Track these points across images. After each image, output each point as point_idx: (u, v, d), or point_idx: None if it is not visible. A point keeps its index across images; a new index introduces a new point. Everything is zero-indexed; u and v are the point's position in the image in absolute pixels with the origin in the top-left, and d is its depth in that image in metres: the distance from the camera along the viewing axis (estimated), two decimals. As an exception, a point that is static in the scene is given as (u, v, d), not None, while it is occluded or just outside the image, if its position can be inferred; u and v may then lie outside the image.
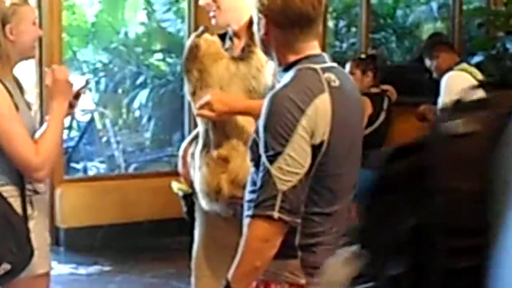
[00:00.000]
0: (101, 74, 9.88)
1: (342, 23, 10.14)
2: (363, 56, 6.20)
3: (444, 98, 5.57)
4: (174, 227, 6.02)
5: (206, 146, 3.21)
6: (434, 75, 6.11)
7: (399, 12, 10.75)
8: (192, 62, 3.24)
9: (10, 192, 3.10)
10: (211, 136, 3.20)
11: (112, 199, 6.63)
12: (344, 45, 9.95)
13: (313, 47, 2.55)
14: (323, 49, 7.47)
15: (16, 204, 3.09)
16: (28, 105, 3.31)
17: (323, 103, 2.43)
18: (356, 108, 2.67)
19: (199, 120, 3.25)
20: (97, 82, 9.68)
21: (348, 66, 6.03)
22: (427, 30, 10.44)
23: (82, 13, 10.65)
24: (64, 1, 10.16)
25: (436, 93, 5.76)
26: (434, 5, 10.46)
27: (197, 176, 3.25)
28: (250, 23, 3.33)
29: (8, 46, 3.14)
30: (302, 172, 2.41)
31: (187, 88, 3.30)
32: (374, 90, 5.99)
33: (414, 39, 10.48)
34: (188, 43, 3.29)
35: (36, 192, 3.21)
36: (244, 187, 3.14)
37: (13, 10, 3.17)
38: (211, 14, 3.35)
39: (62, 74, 3.27)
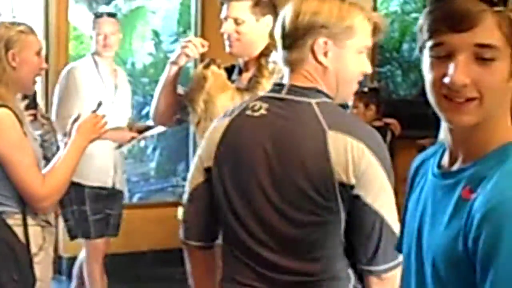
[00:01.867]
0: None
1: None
2: (365, 89, 6.22)
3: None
4: (177, 257, 5.97)
5: None
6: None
7: (405, 46, 10.77)
8: (199, 92, 3.25)
9: (16, 221, 3.12)
10: None
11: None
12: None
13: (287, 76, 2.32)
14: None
15: (21, 233, 3.11)
16: (33, 134, 3.33)
17: (216, 128, 2.36)
18: (278, 139, 2.24)
19: None
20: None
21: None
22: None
23: (90, 43, 10.70)
24: (72, 31, 10.23)
25: (440, 128, 5.75)
26: (440, 39, 10.46)
27: None
28: (260, 55, 3.37)
29: (12, 72, 3.17)
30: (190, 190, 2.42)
31: (191, 118, 3.31)
32: (377, 123, 5.99)
33: (419, 73, 10.45)
34: (195, 73, 3.31)
35: (49, 223, 3.24)
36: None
37: (18, 37, 3.20)
38: (228, 43, 3.39)
39: (94, 118, 3.31)
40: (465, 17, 1.46)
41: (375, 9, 8.29)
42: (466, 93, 1.47)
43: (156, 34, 10.29)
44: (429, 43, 1.52)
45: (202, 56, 3.89)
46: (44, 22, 6.26)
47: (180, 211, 3.62)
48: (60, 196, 3.26)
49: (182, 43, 3.39)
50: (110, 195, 5.30)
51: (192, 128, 3.38)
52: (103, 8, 10.77)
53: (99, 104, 3.41)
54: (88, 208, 5.18)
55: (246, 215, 2.25)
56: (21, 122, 3.12)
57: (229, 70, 3.52)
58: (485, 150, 1.52)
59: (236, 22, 3.36)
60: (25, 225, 3.12)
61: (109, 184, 5.27)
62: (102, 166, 5.21)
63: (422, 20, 1.54)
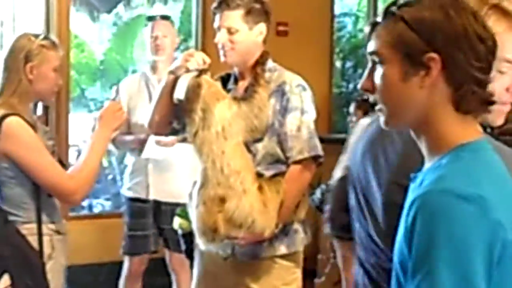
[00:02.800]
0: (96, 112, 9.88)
1: (349, 64, 10.19)
2: (365, 97, 6.20)
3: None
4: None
5: (204, 185, 3.23)
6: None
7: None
8: (195, 101, 3.25)
9: (31, 230, 3.16)
10: (209, 175, 3.21)
11: (116, 237, 6.61)
12: (351, 86, 9.98)
13: None
14: (330, 89, 7.58)
15: (34, 241, 3.14)
16: (47, 146, 3.34)
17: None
18: None
19: (199, 159, 3.27)
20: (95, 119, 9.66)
21: (351, 107, 6.06)
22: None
23: (91, 51, 10.72)
24: (73, 39, 10.25)
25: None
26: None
27: (194, 215, 3.26)
28: (255, 64, 3.38)
29: (27, 84, 3.19)
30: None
31: (188, 129, 3.31)
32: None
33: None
34: (188, 83, 3.30)
35: (58, 232, 3.27)
36: (240, 226, 3.16)
37: (38, 50, 3.21)
38: (223, 52, 3.39)
39: (113, 105, 3.36)
40: (368, 31, 1.69)
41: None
42: (374, 97, 1.67)
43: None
44: None
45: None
46: (45, 30, 6.25)
47: (176, 220, 3.64)
48: (90, 188, 3.30)
49: (184, 55, 3.39)
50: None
51: (189, 139, 3.37)
52: (104, 16, 10.80)
53: (117, 91, 3.44)
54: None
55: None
56: (35, 130, 3.16)
57: (225, 79, 3.52)
58: (438, 152, 1.61)
59: (229, 31, 3.36)
60: (39, 234, 3.17)
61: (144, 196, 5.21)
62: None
63: None
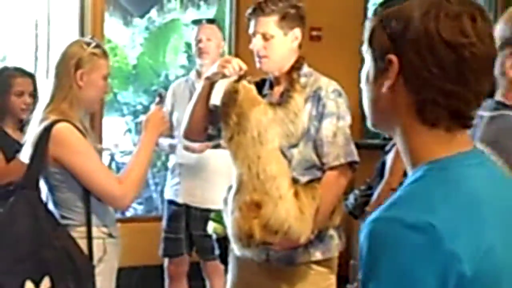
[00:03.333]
0: (141, 116, 9.93)
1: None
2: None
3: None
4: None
5: (239, 191, 3.23)
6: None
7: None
8: (231, 106, 3.25)
9: (82, 233, 3.20)
10: (245, 181, 3.21)
11: (149, 241, 6.62)
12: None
13: None
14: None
15: (84, 245, 3.18)
16: (97, 150, 3.36)
17: None
18: None
19: (235, 164, 3.27)
20: (137, 124, 9.74)
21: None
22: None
23: (124, 56, 10.77)
24: (106, 44, 10.30)
25: None
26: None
27: (229, 220, 3.26)
28: (291, 69, 3.37)
29: (77, 90, 3.22)
30: None
31: (223, 134, 3.31)
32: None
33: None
34: (225, 88, 3.31)
35: (111, 236, 3.30)
36: (276, 232, 3.15)
37: (89, 58, 3.25)
38: (258, 59, 3.39)
39: (159, 111, 3.39)
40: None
41: None
42: None
43: (189, 46, 10.32)
44: None
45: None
46: (80, 35, 6.29)
47: (210, 224, 3.64)
48: (138, 192, 3.33)
49: (221, 61, 3.39)
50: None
51: (223, 144, 3.37)
52: (137, 21, 10.85)
53: (160, 95, 3.46)
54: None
55: None
56: (84, 136, 3.19)
57: (260, 85, 3.51)
58: (411, 168, 1.50)
59: (265, 37, 3.35)
60: (89, 238, 3.20)
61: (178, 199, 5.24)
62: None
63: None
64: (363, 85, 1.55)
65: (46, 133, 3.13)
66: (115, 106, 10.40)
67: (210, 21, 5.50)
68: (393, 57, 1.44)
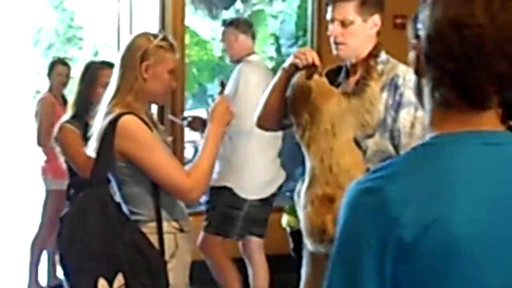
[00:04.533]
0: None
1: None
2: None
3: None
4: (291, 262, 5.93)
5: (312, 184, 3.13)
6: None
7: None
8: (303, 105, 3.18)
9: (152, 229, 3.15)
10: (317, 174, 3.12)
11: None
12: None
13: None
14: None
15: (156, 240, 3.14)
16: (166, 142, 3.33)
17: None
18: None
19: (307, 156, 3.18)
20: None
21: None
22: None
23: (210, 49, 10.82)
24: (193, 37, 10.34)
25: None
26: None
27: (302, 215, 3.17)
28: (368, 56, 3.27)
29: (142, 82, 3.18)
30: None
31: (295, 129, 3.24)
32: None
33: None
34: (297, 84, 3.22)
35: (181, 230, 3.25)
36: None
37: (155, 50, 3.20)
38: (335, 46, 3.30)
39: (224, 101, 3.32)
40: None
41: None
42: None
43: (275, 38, 10.30)
44: None
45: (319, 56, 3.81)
46: (161, 27, 6.30)
47: (284, 218, 3.57)
48: (207, 186, 3.28)
49: (295, 52, 3.31)
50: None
51: (296, 138, 3.29)
52: (224, 14, 10.87)
53: (223, 84, 3.42)
54: None
55: None
56: (151, 129, 3.15)
57: (335, 72, 3.42)
58: None
59: (343, 23, 3.25)
60: (159, 233, 3.15)
61: None
62: None
63: None
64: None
65: (111, 127, 3.08)
66: (203, 98, 10.45)
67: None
68: (415, 42, 1.49)
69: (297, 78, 3.24)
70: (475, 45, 1.40)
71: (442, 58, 1.42)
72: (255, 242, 5.47)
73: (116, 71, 3.24)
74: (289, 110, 3.28)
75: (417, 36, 1.48)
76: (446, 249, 1.34)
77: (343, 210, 1.43)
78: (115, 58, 3.34)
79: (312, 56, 3.24)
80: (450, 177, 1.39)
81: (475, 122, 1.45)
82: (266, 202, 5.26)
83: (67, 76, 6.70)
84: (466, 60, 1.41)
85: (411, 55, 1.52)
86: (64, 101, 6.75)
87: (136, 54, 3.18)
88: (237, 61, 5.36)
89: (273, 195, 5.41)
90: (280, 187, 5.64)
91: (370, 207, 1.38)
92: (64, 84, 6.70)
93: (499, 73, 1.42)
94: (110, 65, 4.53)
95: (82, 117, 4.30)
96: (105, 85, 4.32)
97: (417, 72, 1.50)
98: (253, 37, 5.52)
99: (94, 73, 4.47)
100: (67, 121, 4.32)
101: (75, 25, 24.44)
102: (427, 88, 1.48)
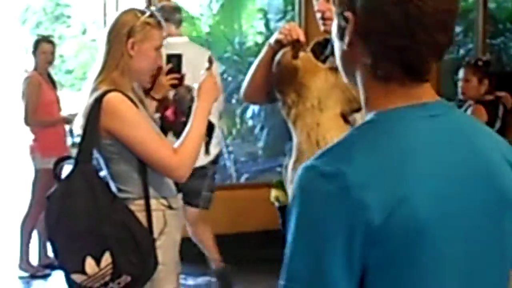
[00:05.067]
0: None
1: (458, 29, 9.86)
2: (480, 63, 5.95)
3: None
4: (278, 238, 5.92)
5: (298, 159, 3.12)
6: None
7: (519, 16, 10.40)
8: (290, 84, 3.16)
9: (140, 206, 3.13)
10: (304, 149, 3.10)
11: (223, 209, 6.61)
12: (461, 51, 9.67)
13: None
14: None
15: (143, 218, 3.12)
16: (154, 120, 3.30)
17: None
18: None
19: (294, 132, 3.17)
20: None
21: (462, 73, 5.81)
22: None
23: (199, 25, 10.76)
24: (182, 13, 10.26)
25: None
26: (556, 7, 10.07)
27: (290, 190, 3.15)
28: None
29: (128, 59, 3.15)
30: None
31: (280, 107, 3.22)
32: (488, 97, 5.74)
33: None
34: (283, 63, 3.19)
35: (170, 207, 3.23)
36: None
37: (142, 27, 3.17)
38: (322, 22, 3.28)
39: (211, 77, 3.29)
40: None
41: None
42: None
43: (264, 12, 10.25)
44: None
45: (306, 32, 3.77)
46: (147, 3, 6.27)
47: (272, 192, 3.54)
48: (194, 163, 3.23)
49: (280, 29, 3.28)
50: None
51: (282, 113, 3.27)
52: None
53: (210, 61, 3.38)
54: None
55: None
56: (136, 106, 3.12)
57: (322, 45, 3.39)
58: None
59: None
60: (147, 210, 3.13)
61: None
62: None
63: None
64: (334, 41, 1.55)
65: (97, 104, 3.06)
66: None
67: None
68: (349, 14, 1.46)
69: (282, 57, 3.21)
70: (417, 19, 1.40)
71: (385, 34, 1.41)
72: (192, 212, 5.60)
73: (102, 47, 3.20)
74: (275, 89, 3.26)
75: (351, 9, 1.45)
76: (413, 228, 1.33)
77: (297, 193, 1.38)
78: (102, 35, 3.30)
79: (297, 32, 3.22)
80: (407, 155, 1.39)
81: (417, 95, 1.46)
82: (198, 172, 5.13)
83: (52, 54, 6.65)
84: (410, 35, 1.41)
85: (335, 26, 1.53)
86: (51, 79, 6.72)
87: (123, 30, 3.15)
88: None
89: (206, 167, 5.44)
90: (216, 159, 5.69)
91: (331, 193, 1.33)
92: (50, 62, 6.65)
93: (438, 45, 1.44)
94: None
95: None
96: None
97: (348, 45, 1.47)
98: (177, 22, 5.66)
99: None
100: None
101: (62, 3, 24.30)
102: (362, 63, 1.47)
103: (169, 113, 3.94)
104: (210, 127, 3.71)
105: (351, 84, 1.54)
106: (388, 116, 1.44)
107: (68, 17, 24.24)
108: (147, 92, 3.85)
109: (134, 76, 3.22)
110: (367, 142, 1.41)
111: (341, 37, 1.50)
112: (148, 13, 3.23)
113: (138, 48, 3.15)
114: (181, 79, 3.88)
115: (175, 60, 3.92)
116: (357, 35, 1.45)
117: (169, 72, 3.86)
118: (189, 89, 3.98)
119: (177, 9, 5.75)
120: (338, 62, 1.54)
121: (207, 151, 5.01)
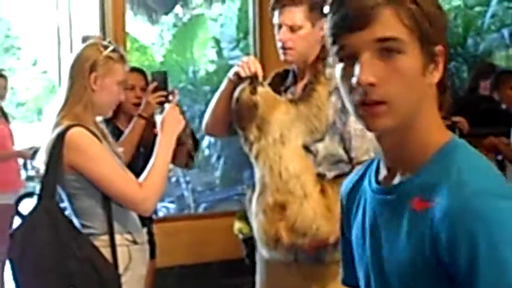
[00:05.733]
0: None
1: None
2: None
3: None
4: (244, 267, 5.91)
5: (262, 192, 3.12)
6: (504, 106, 6.03)
7: (469, 41, 10.56)
8: (250, 120, 3.17)
9: (105, 242, 3.10)
10: (267, 182, 3.11)
11: (182, 240, 6.57)
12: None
13: None
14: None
15: (108, 254, 3.09)
16: (117, 154, 3.28)
17: None
18: None
19: (256, 166, 3.18)
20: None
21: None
22: (499, 57, 10.23)
23: (152, 54, 10.75)
24: (134, 43, 10.25)
25: (510, 124, 5.58)
26: (506, 32, 10.25)
27: (254, 223, 3.15)
28: (316, 59, 3.25)
29: (91, 94, 3.14)
30: None
31: (242, 143, 3.23)
32: (445, 122, 5.80)
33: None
34: (242, 100, 3.20)
35: (135, 242, 3.20)
36: (304, 235, 3.04)
37: (105, 61, 3.16)
38: (282, 51, 3.27)
39: (173, 109, 3.28)
40: (360, 15, 1.41)
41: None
42: (372, 95, 1.40)
43: (216, 41, 10.27)
44: (334, 49, 1.47)
45: (261, 61, 3.78)
46: (101, 32, 6.23)
47: (236, 225, 3.54)
48: (160, 196, 3.23)
49: (239, 62, 3.29)
50: None
51: (244, 149, 3.28)
52: (164, 19, 10.79)
53: (173, 93, 3.38)
54: None
55: None
56: (100, 140, 3.11)
57: (283, 76, 3.40)
58: (423, 156, 1.46)
59: (292, 29, 3.23)
60: (112, 246, 3.11)
61: None
62: None
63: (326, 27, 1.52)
64: (405, 83, 1.42)
65: (59, 139, 3.04)
66: (145, 105, 10.29)
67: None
68: (442, 48, 1.46)
69: (241, 93, 3.22)
70: None
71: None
72: None
73: (65, 82, 3.19)
74: (236, 126, 3.26)
75: (442, 42, 1.45)
76: None
77: (485, 223, 1.32)
78: (60, 68, 3.28)
79: (255, 65, 3.23)
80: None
81: None
82: None
83: (5, 88, 6.59)
84: None
85: (413, 62, 1.44)
86: (3, 113, 6.65)
87: (85, 65, 3.14)
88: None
89: None
90: None
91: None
92: (1, 97, 6.59)
93: None
94: (135, 69, 4.62)
95: (112, 121, 4.34)
96: (131, 87, 4.39)
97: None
98: None
99: None
100: None
101: (12, 35, 24.07)
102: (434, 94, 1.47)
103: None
104: (196, 142, 3.76)
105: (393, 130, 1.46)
106: (459, 145, 1.47)
107: (18, 48, 24.01)
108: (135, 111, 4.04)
109: (96, 110, 3.20)
110: (486, 166, 1.43)
111: (423, 73, 1.43)
112: (111, 48, 3.22)
113: (100, 83, 3.14)
114: (167, 96, 3.90)
115: (160, 77, 3.96)
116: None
117: (155, 90, 3.90)
118: (176, 104, 4.04)
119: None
120: (407, 97, 1.43)
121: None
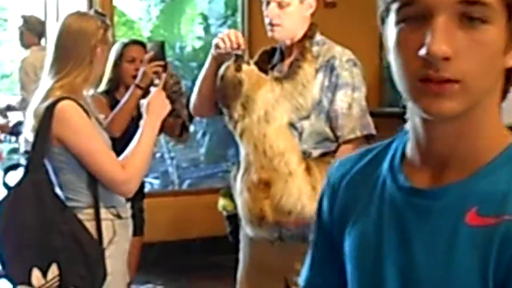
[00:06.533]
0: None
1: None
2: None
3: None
4: (227, 244, 5.92)
5: (247, 170, 3.13)
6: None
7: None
8: (235, 98, 3.16)
9: (89, 215, 3.09)
10: (252, 159, 3.11)
11: (165, 216, 6.57)
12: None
13: None
14: (380, 60, 7.42)
15: (93, 227, 3.07)
16: (101, 123, 3.26)
17: None
18: None
19: (241, 144, 3.17)
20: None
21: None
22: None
23: (139, 29, 10.69)
24: (121, 17, 10.19)
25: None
26: None
27: (239, 201, 3.15)
28: (303, 37, 3.25)
29: (90, 66, 3.14)
30: None
31: (227, 121, 3.22)
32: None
33: None
34: (227, 78, 3.19)
35: (119, 217, 3.19)
36: (289, 213, 3.04)
37: (104, 34, 3.16)
38: (270, 28, 3.27)
39: (159, 93, 3.26)
40: None
41: None
42: (444, 71, 1.08)
43: (204, 17, 10.22)
44: (395, 5, 1.13)
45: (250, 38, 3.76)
46: (88, 6, 6.19)
47: (220, 202, 3.54)
48: (142, 178, 3.24)
49: (219, 35, 3.27)
50: None
51: (229, 127, 3.26)
52: (151, -7, 10.72)
53: (159, 77, 3.38)
54: None
55: None
56: (89, 116, 3.08)
57: (270, 54, 3.39)
58: (485, 154, 1.17)
59: (280, 5, 3.23)
60: (97, 220, 3.09)
61: None
62: None
63: None
64: (486, 60, 1.11)
65: (49, 111, 3.01)
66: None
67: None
68: None
69: (225, 71, 3.21)
70: None
71: None
72: None
73: (64, 52, 3.14)
74: (220, 104, 3.25)
75: None
76: None
77: None
78: (52, 39, 3.26)
79: (236, 36, 3.21)
80: None
81: None
82: None
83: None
84: None
85: (495, 40, 1.12)
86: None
87: (92, 40, 3.13)
88: None
89: None
90: None
91: None
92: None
93: None
94: (136, 42, 4.70)
95: (111, 93, 4.44)
96: (131, 59, 4.45)
97: None
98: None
99: (119, 50, 4.54)
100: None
101: (-2, 6, 23.90)
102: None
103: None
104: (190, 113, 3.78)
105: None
106: None
107: (5, 20, 23.86)
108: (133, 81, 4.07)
109: (92, 82, 3.21)
110: None
111: (505, 51, 1.12)
112: (106, 19, 3.23)
113: (100, 54, 3.16)
114: (164, 66, 3.89)
115: (157, 48, 3.96)
116: None
117: (152, 60, 3.90)
118: (172, 75, 4.04)
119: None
120: (484, 78, 1.12)
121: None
